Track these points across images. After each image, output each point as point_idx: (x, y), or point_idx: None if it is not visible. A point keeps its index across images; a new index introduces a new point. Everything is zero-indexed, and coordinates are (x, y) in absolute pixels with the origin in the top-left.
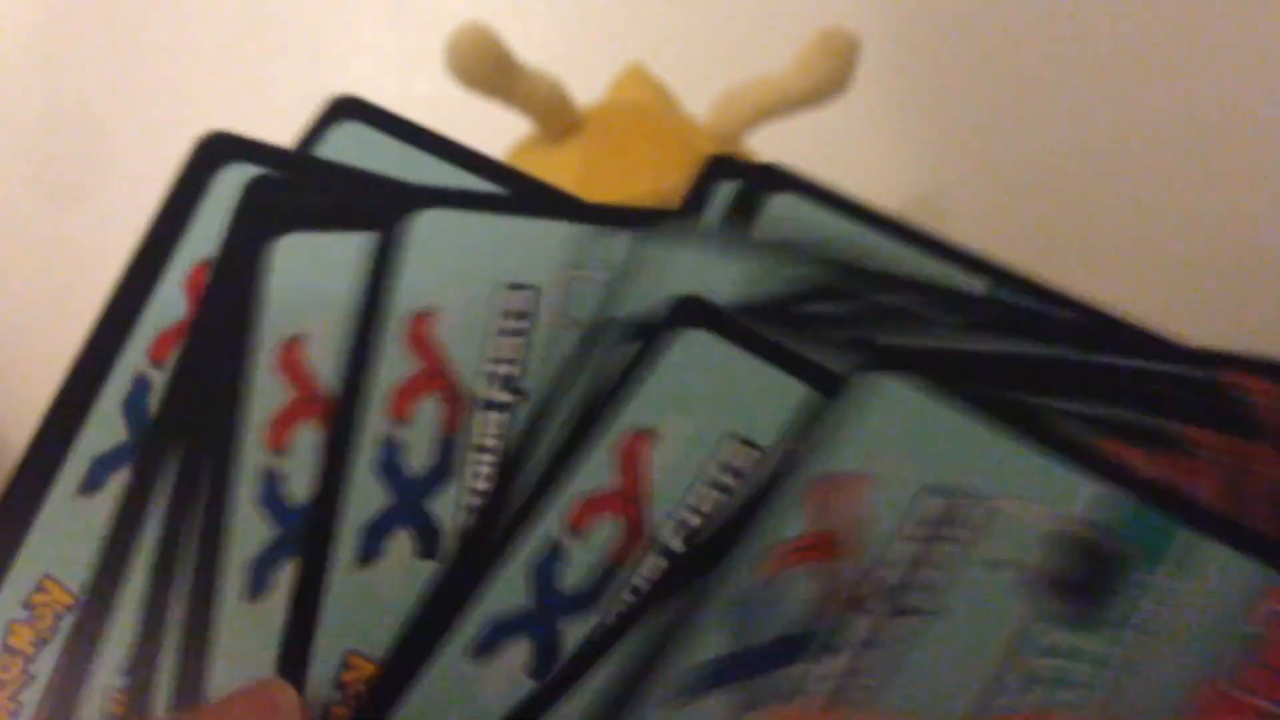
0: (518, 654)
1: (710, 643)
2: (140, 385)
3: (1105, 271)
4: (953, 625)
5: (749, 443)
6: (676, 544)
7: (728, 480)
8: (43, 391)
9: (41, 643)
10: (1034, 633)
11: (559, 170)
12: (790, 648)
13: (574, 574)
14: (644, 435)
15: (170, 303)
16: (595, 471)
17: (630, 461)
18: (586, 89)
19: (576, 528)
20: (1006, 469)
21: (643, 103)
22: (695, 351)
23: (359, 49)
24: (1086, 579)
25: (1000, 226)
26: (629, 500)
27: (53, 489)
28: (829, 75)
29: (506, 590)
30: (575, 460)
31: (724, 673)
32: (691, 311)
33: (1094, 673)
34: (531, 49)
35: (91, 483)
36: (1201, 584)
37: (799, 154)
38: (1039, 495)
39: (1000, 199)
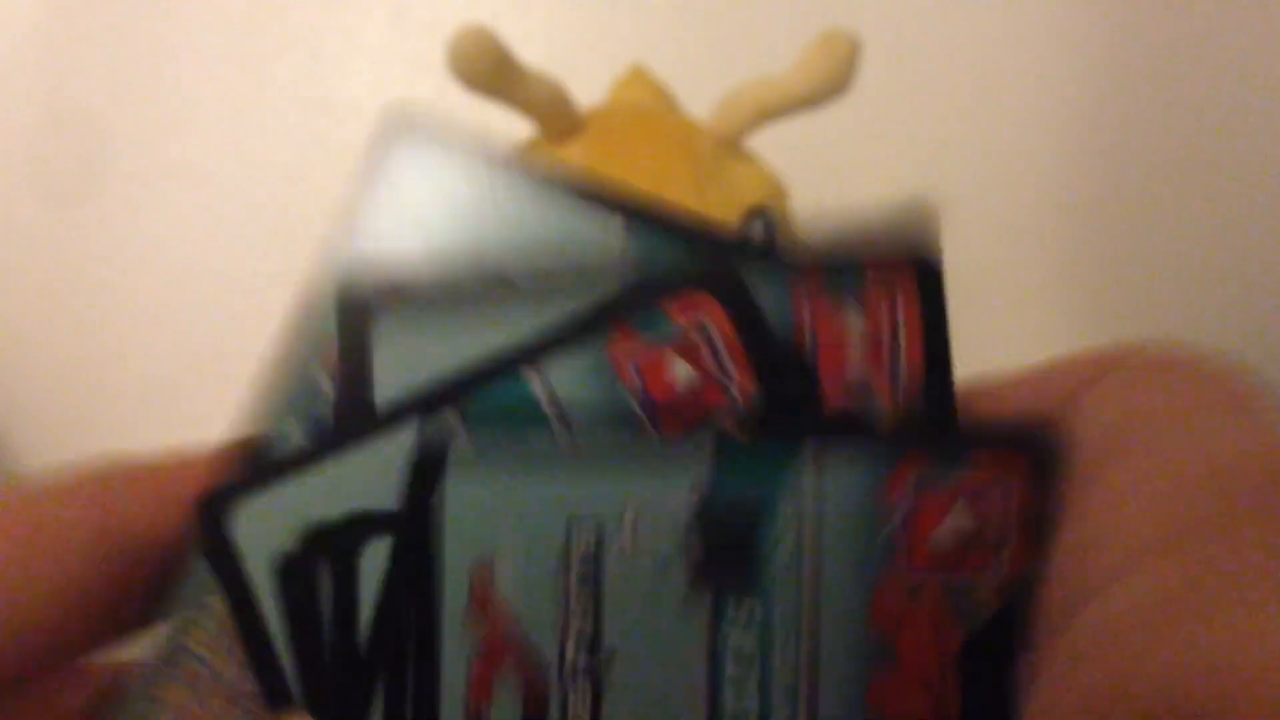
0: None
1: None
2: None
3: (1104, 270)
4: (650, 670)
5: None
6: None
7: None
8: (43, 392)
9: None
10: (721, 639)
11: None
12: None
13: None
14: None
15: None
16: None
17: None
18: (588, 91)
19: None
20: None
21: (644, 104)
22: None
23: (360, 51)
24: (733, 545)
25: (1000, 226)
26: None
27: None
28: (830, 76)
29: None
30: None
31: None
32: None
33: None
34: (533, 51)
35: None
36: (831, 505)
37: (800, 154)
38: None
39: (1001, 199)
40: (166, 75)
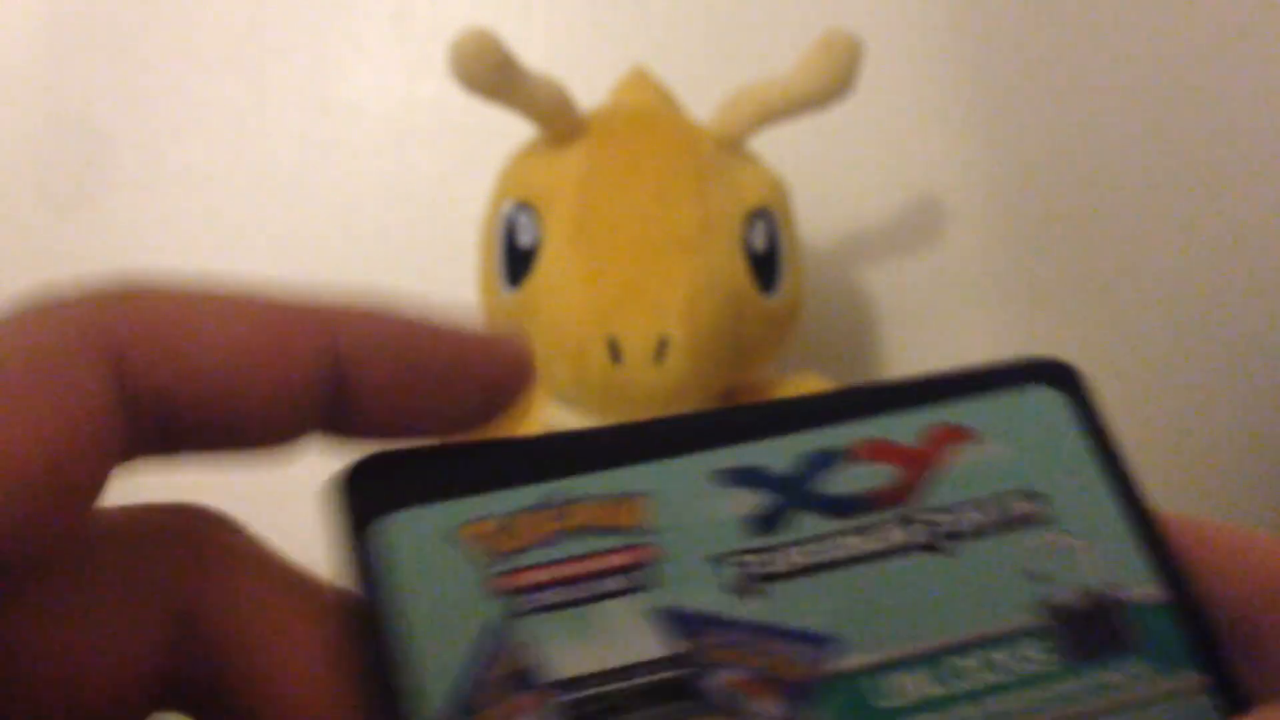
0: None
1: None
2: None
3: (1107, 272)
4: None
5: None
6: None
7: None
8: None
9: None
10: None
11: (562, 174)
12: None
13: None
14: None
15: None
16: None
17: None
18: (590, 93)
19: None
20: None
21: (646, 106)
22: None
23: (363, 54)
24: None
25: (999, 226)
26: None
27: None
28: (832, 78)
29: None
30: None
31: None
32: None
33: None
34: (535, 53)
35: None
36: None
37: (801, 155)
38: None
39: (1001, 199)
40: (168, 80)
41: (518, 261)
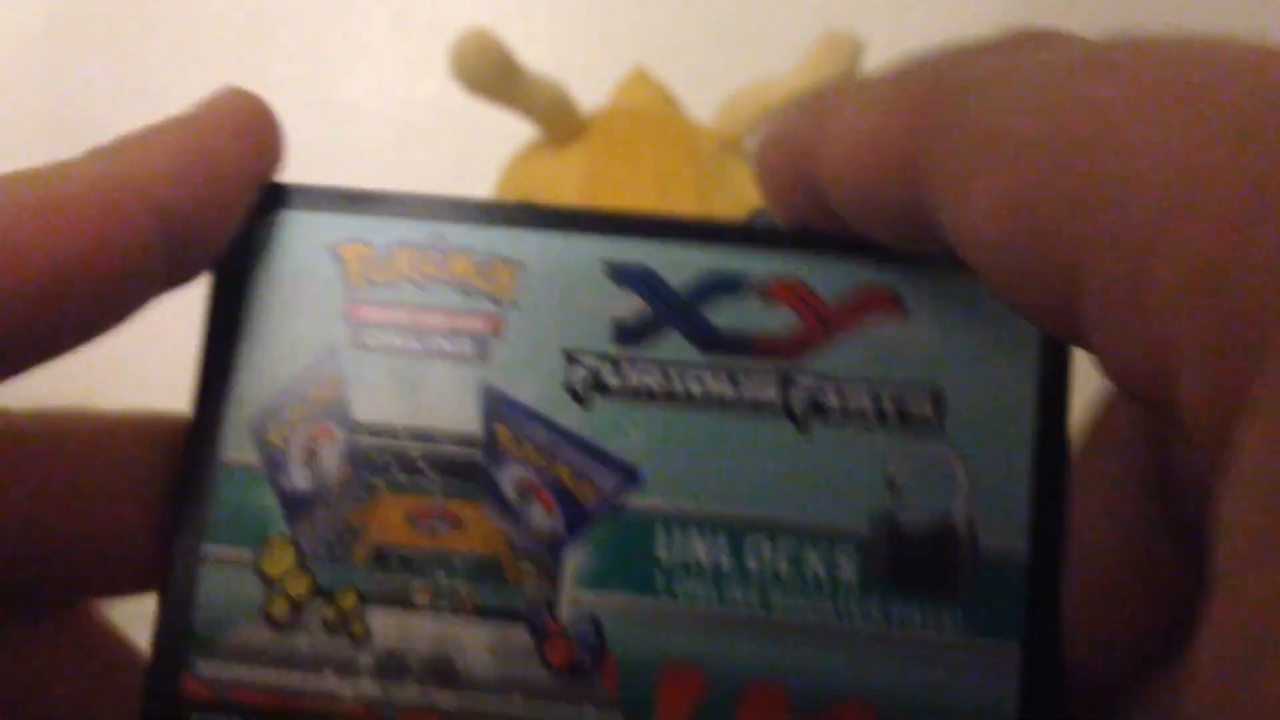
0: None
1: None
2: None
3: None
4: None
5: None
6: None
7: None
8: (44, 396)
9: None
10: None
11: (563, 175)
12: None
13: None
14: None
15: None
16: None
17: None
18: (591, 93)
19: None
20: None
21: (647, 107)
22: None
23: (363, 54)
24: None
25: None
26: None
27: None
28: (833, 77)
29: None
30: None
31: None
32: None
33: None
34: (536, 54)
35: None
36: None
37: None
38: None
39: None
40: (169, 80)
41: None
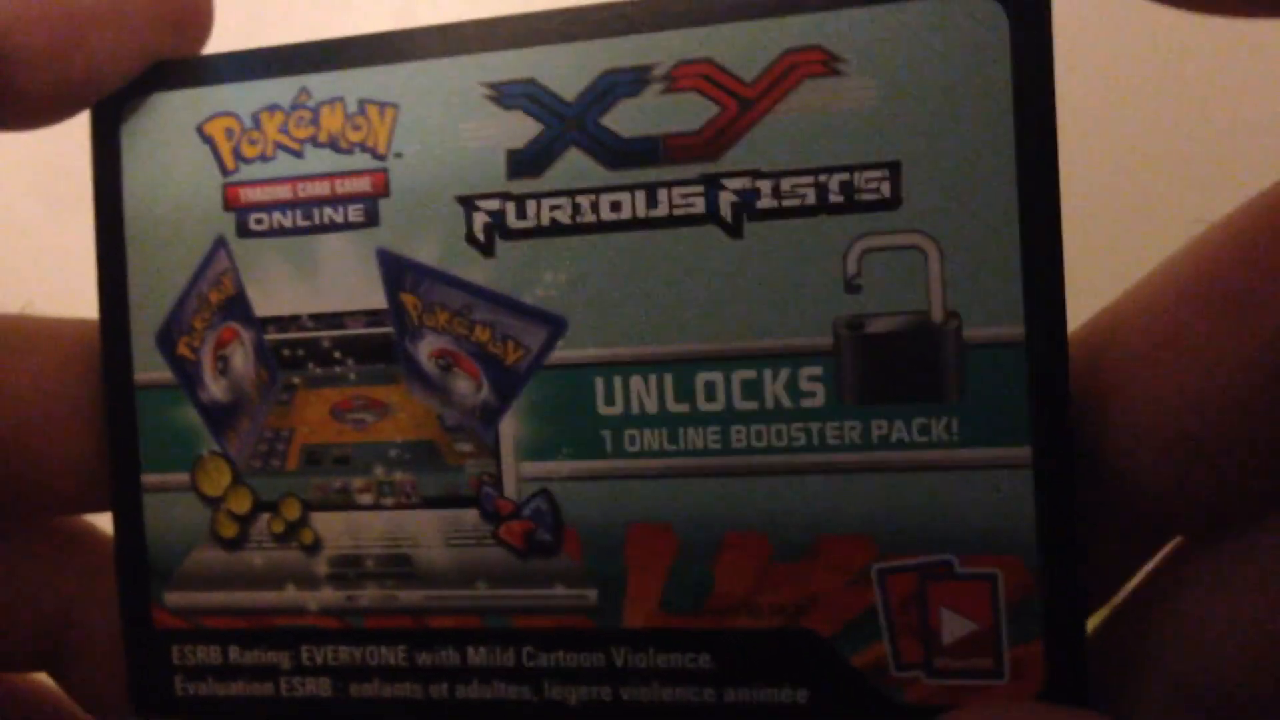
0: None
1: None
2: None
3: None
4: None
5: None
6: None
7: None
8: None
9: None
10: None
11: None
12: None
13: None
14: None
15: None
16: None
17: None
18: None
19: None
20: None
21: None
22: None
23: None
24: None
25: None
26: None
27: None
28: None
29: None
30: None
31: None
32: None
33: None
34: None
35: None
36: None
37: None
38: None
39: None
40: None
41: None
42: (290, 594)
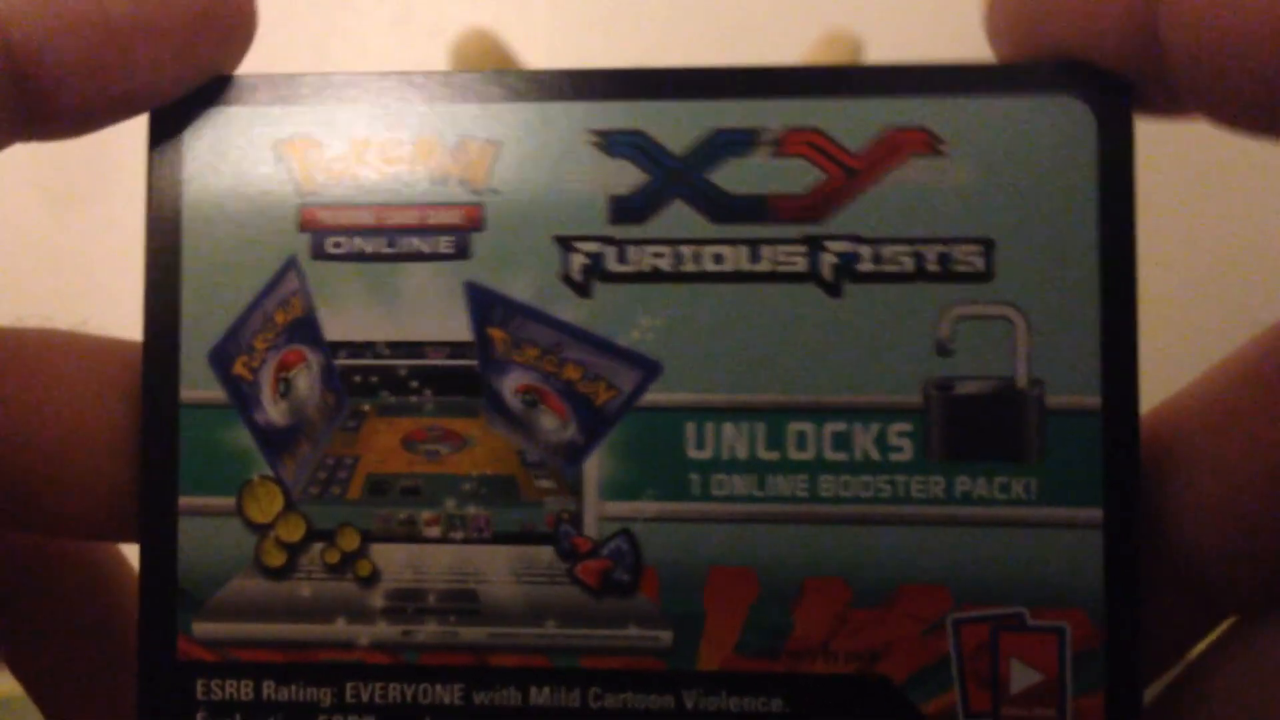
0: None
1: None
2: None
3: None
4: None
5: None
6: None
7: None
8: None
9: None
10: None
11: None
12: None
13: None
14: None
15: None
16: None
17: None
18: None
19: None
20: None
21: None
22: None
23: (364, 55)
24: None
25: None
26: None
27: None
28: None
29: None
30: None
31: None
32: None
33: None
34: (535, 53)
35: None
36: None
37: None
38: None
39: None
40: None
41: None
42: (339, 627)
